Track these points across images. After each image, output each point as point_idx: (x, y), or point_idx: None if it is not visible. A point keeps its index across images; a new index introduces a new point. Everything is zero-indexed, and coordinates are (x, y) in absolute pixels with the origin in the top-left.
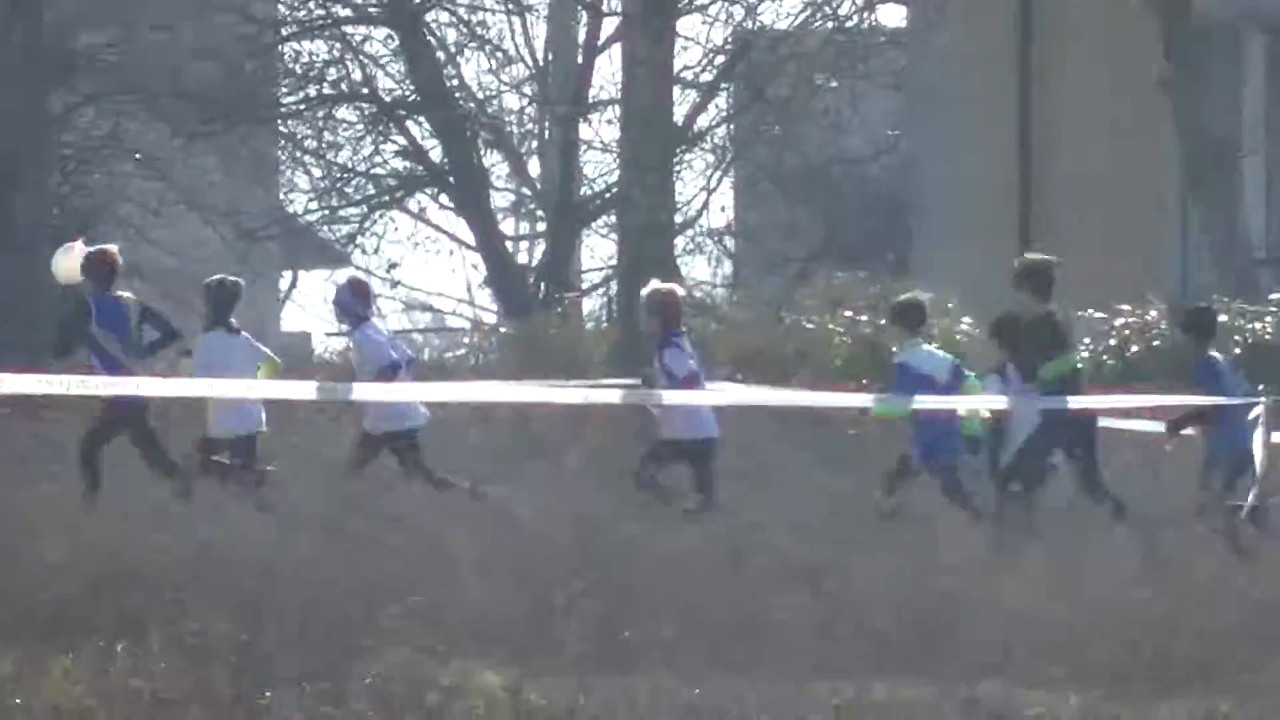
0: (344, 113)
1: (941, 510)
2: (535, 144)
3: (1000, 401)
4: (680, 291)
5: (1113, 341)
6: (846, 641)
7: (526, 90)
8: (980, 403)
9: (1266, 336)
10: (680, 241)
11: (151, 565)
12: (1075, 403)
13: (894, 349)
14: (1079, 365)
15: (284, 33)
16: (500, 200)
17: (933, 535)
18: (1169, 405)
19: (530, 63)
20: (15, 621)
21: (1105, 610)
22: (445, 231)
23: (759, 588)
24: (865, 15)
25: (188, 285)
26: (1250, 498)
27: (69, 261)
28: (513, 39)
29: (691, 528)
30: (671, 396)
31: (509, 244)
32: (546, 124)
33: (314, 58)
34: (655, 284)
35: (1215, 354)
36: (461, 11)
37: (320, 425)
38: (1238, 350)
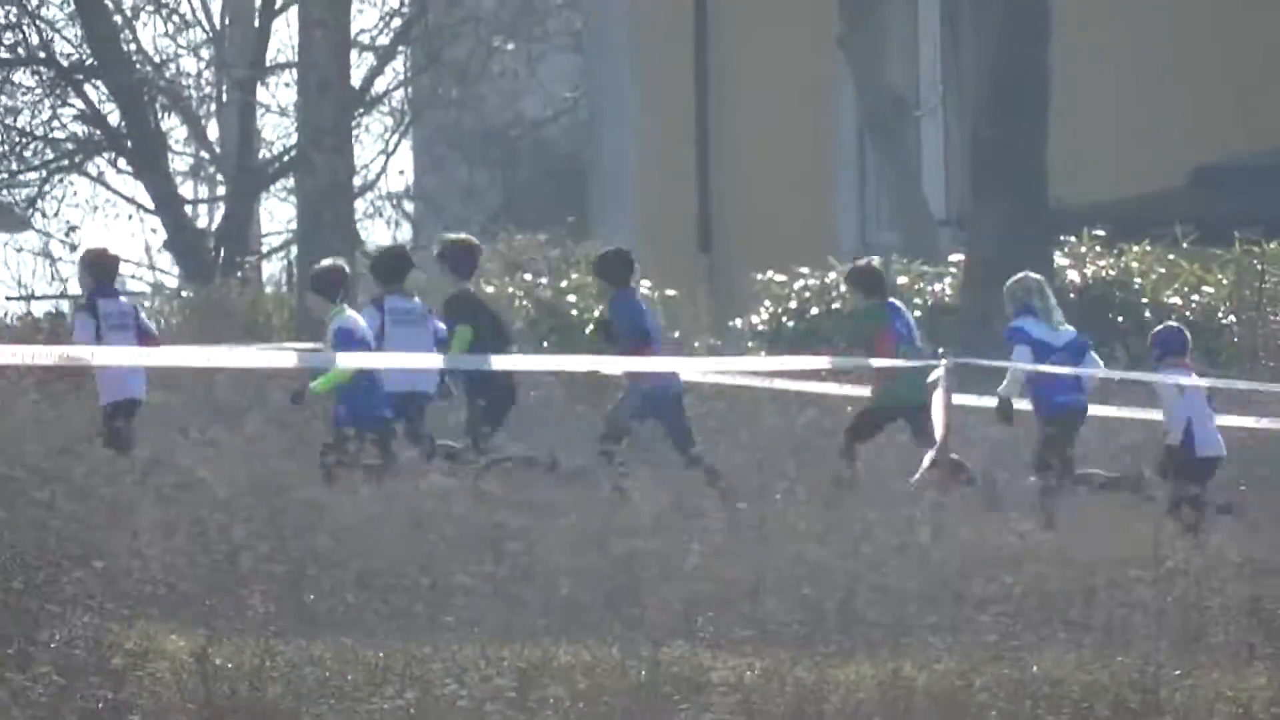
0: (21, 76)
1: (627, 475)
2: (213, 107)
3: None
4: (114, 251)
5: (793, 304)
6: (531, 605)
7: (204, 54)
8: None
9: (946, 298)
10: (360, 205)
11: None
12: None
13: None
14: (471, 338)
15: None
16: (179, 164)
17: (617, 500)
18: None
19: (207, 26)
20: None
21: (789, 573)
22: (124, 195)
23: (442, 553)
24: None
25: None
26: (927, 458)
27: None
28: (189, 2)
29: (376, 494)
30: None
31: (188, 208)
32: (224, 88)
33: None
34: (90, 247)
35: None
36: None
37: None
38: (918, 312)
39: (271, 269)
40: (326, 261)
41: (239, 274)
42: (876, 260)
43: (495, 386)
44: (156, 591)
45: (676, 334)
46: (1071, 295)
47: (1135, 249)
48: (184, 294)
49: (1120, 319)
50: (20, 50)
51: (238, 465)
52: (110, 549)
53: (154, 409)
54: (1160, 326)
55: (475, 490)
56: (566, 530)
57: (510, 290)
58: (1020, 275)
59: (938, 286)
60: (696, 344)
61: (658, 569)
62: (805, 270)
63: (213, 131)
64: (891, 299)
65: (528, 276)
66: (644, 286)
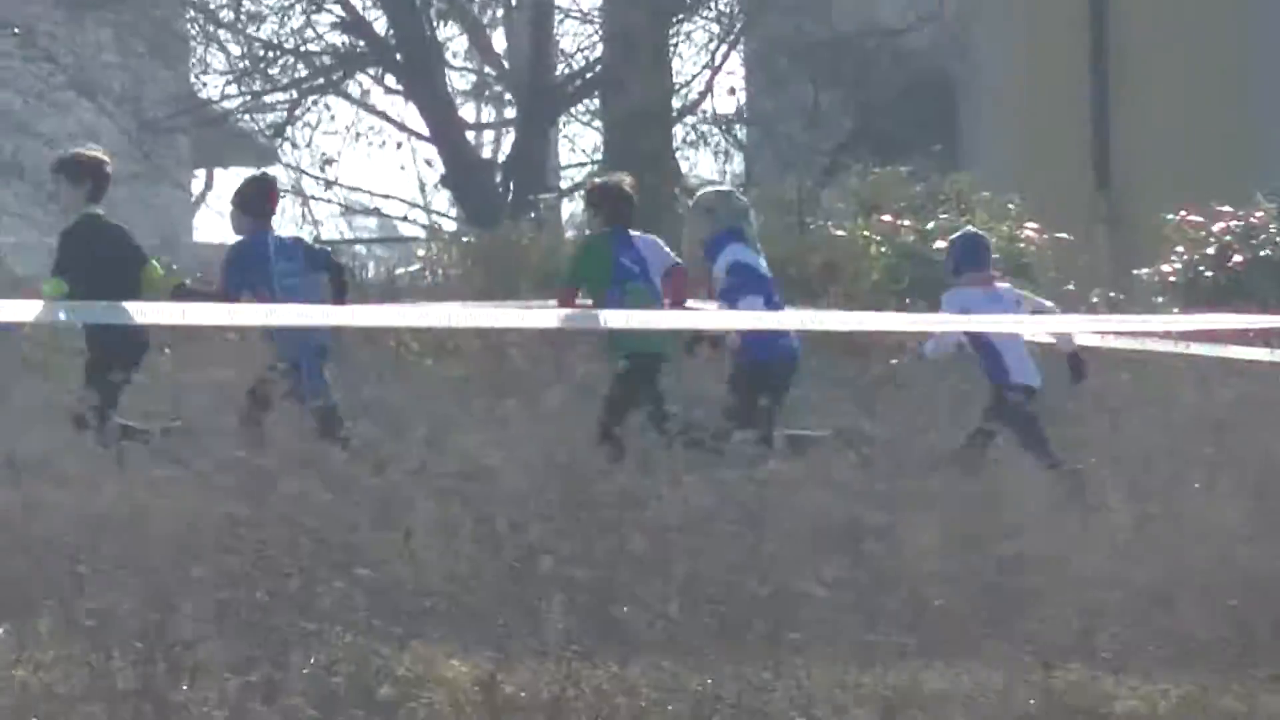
0: None
1: (1005, 463)
2: (501, 13)
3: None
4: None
5: (1211, 250)
6: (894, 619)
7: None
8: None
9: None
10: (679, 131)
11: (42, 530)
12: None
13: None
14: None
15: None
16: (459, 82)
17: (993, 492)
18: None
19: None
20: None
21: (1206, 577)
22: (392, 120)
23: (784, 554)
24: None
25: None
26: None
27: None
28: None
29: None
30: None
31: (470, 135)
32: None
33: None
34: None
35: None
36: None
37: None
38: None
39: (573, 208)
40: None
41: (532, 214)
42: (625, 179)
43: (115, 337)
44: (434, 605)
45: (1071, 285)
46: None
47: None
48: (466, 239)
49: None
50: None
51: (533, 449)
52: (378, 553)
53: (432, 380)
54: (958, 234)
55: (822, 478)
56: (936, 528)
57: (865, 234)
58: (726, 190)
59: None
60: (1094, 298)
61: (1047, 575)
62: (1227, 209)
63: (500, 42)
64: (626, 227)
65: (886, 217)
66: (1029, 229)
